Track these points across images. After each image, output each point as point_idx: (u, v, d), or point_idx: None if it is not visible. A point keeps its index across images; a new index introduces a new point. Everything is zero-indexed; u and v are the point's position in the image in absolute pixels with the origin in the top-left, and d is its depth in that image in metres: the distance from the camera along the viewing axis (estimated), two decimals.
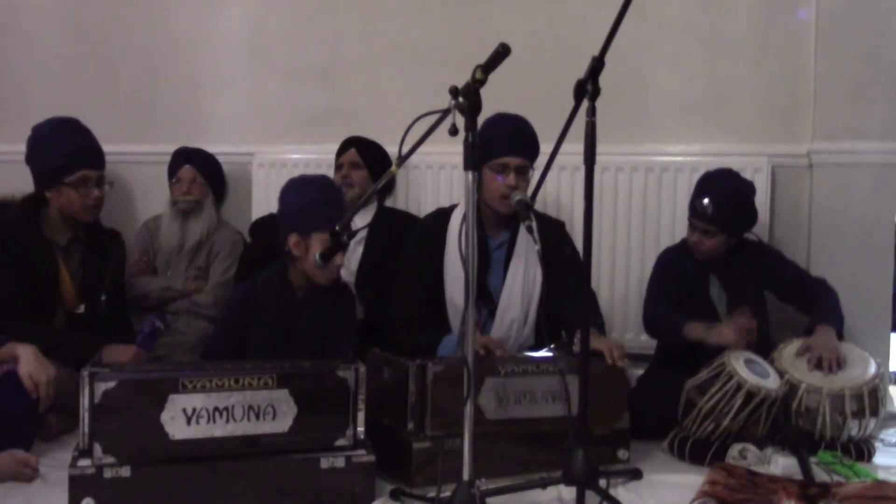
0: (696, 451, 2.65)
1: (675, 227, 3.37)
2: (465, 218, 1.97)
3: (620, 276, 3.47)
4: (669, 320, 2.95)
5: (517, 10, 3.56)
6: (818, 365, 2.75)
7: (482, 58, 1.90)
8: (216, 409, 2.16)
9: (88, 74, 4.02)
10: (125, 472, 2.10)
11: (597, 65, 2.08)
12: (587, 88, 2.09)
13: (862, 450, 2.67)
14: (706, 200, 2.95)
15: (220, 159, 3.71)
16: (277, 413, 2.20)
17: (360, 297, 3.03)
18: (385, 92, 3.72)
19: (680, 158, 3.42)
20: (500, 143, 2.80)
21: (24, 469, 2.31)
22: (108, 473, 2.09)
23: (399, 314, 2.91)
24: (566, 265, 2.81)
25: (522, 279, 2.89)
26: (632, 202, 3.44)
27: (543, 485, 2.28)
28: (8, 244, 2.82)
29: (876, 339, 3.18)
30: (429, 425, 2.36)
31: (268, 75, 3.89)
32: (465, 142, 1.91)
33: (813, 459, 2.54)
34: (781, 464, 2.50)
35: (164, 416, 2.12)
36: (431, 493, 2.21)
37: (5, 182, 3.54)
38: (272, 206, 3.25)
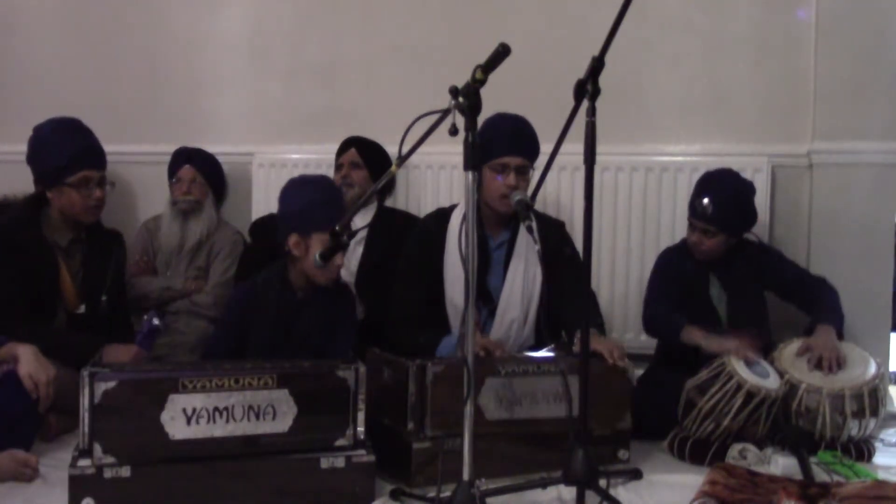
0: (696, 451, 2.65)
1: (675, 227, 3.37)
2: (465, 218, 1.97)
3: (620, 276, 3.47)
4: (669, 321, 2.95)
5: (517, 10, 3.56)
6: (818, 365, 2.75)
7: (482, 58, 1.90)
8: (216, 409, 2.16)
9: (88, 74, 4.02)
10: (125, 472, 2.10)
11: (597, 65, 2.08)
12: (587, 88, 2.09)
13: (862, 450, 2.67)
14: (706, 200, 2.94)
15: (220, 159, 3.71)
16: (277, 413, 2.20)
17: (360, 297, 3.03)
18: (385, 92, 3.72)
19: (680, 158, 3.42)
20: (500, 143, 2.80)
21: (24, 469, 2.31)
22: (108, 473, 2.09)
23: (399, 314, 2.91)
24: (566, 265, 2.81)
25: (522, 279, 2.89)
26: (632, 202, 3.44)
27: (543, 485, 2.28)
28: (9, 244, 2.82)
29: (876, 339, 3.18)
30: (429, 425, 2.36)
31: (268, 75, 3.89)
32: (465, 142, 1.91)
33: (813, 459, 2.54)
34: (781, 464, 2.50)
35: (164, 416, 2.12)
36: (431, 493, 2.21)
37: (5, 182, 3.54)
38: (272, 206, 3.25)
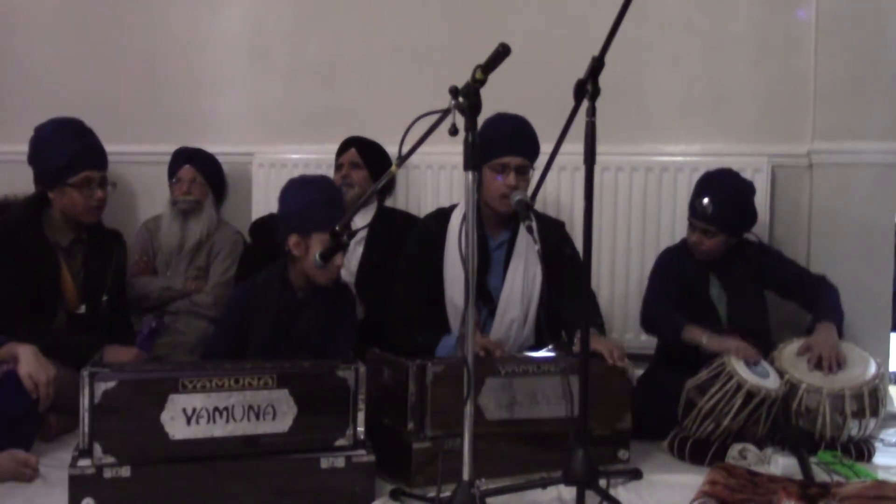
0: (696, 451, 2.65)
1: (675, 227, 3.37)
2: (465, 218, 1.97)
3: (620, 276, 3.47)
4: (670, 320, 2.95)
5: (517, 10, 3.56)
6: (818, 365, 2.75)
7: (482, 58, 1.90)
8: (216, 409, 2.16)
9: (89, 74, 4.03)
10: (125, 472, 2.10)
11: (597, 65, 2.08)
12: (587, 88, 2.09)
13: (862, 450, 2.67)
14: (706, 200, 2.94)
15: (220, 159, 3.71)
16: (277, 413, 2.20)
17: (360, 297, 3.02)
18: (385, 92, 3.72)
19: (680, 158, 3.42)
20: (500, 143, 2.80)
21: (24, 469, 2.31)
22: (108, 473, 2.09)
23: (399, 314, 2.91)
24: (566, 265, 2.81)
25: (522, 279, 2.89)
26: (632, 202, 3.44)
27: (543, 485, 2.28)
28: (10, 244, 2.82)
29: (876, 339, 3.18)
30: (429, 425, 2.36)
31: (268, 75, 3.89)
32: (465, 142, 1.91)
33: (813, 459, 2.54)
34: (781, 464, 2.50)
35: (164, 416, 2.12)
36: (431, 493, 2.21)
37: (5, 182, 3.54)
38: (272, 206, 3.25)
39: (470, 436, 1.95)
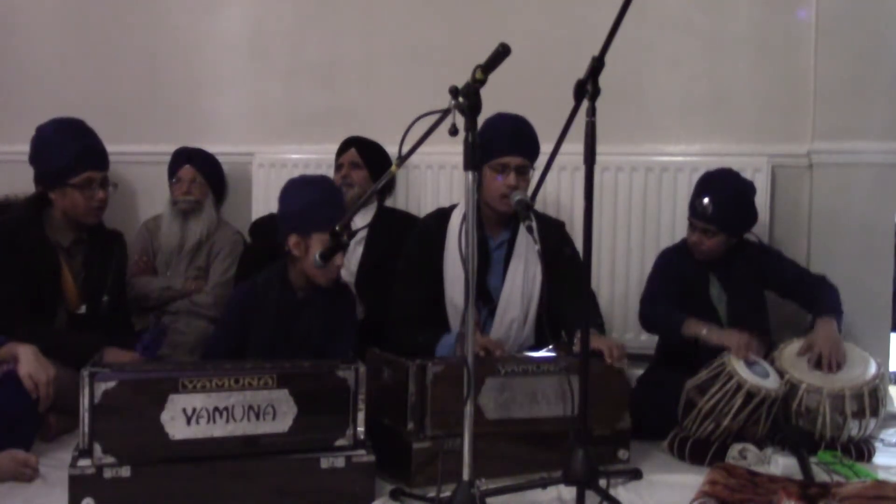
0: (696, 451, 2.65)
1: (675, 227, 3.36)
2: (465, 218, 1.97)
3: (620, 276, 3.47)
4: (670, 317, 2.95)
5: (517, 10, 3.56)
6: (818, 364, 2.75)
7: (482, 58, 1.90)
8: (216, 409, 2.16)
9: (89, 74, 4.03)
10: (125, 472, 2.10)
11: (597, 65, 2.08)
12: (587, 88, 2.09)
13: (862, 450, 2.67)
14: (706, 200, 2.94)
15: (220, 159, 3.71)
16: (277, 413, 2.20)
17: (360, 297, 3.02)
18: (385, 92, 3.72)
19: (680, 158, 3.42)
20: (501, 143, 2.80)
21: (24, 469, 2.31)
22: (108, 473, 2.09)
23: (399, 314, 2.91)
24: (566, 265, 2.81)
25: (522, 279, 2.89)
26: (632, 202, 3.44)
27: (543, 485, 2.28)
28: (11, 244, 2.82)
29: (876, 339, 3.18)
30: (429, 425, 2.36)
31: (268, 75, 3.89)
32: (465, 142, 1.91)
33: (813, 459, 2.54)
34: (781, 464, 2.50)
35: (164, 416, 2.12)
36: (431, 493, 2.21)
37: (5, 182, 3.54)
38: (272, 206, 3.25)
39: (470, 436, 1.95)
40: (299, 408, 2.21)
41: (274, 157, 3.81)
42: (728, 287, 3.04)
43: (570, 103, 2.15)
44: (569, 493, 2.20)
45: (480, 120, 1.96)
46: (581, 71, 2.10)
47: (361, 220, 3.38)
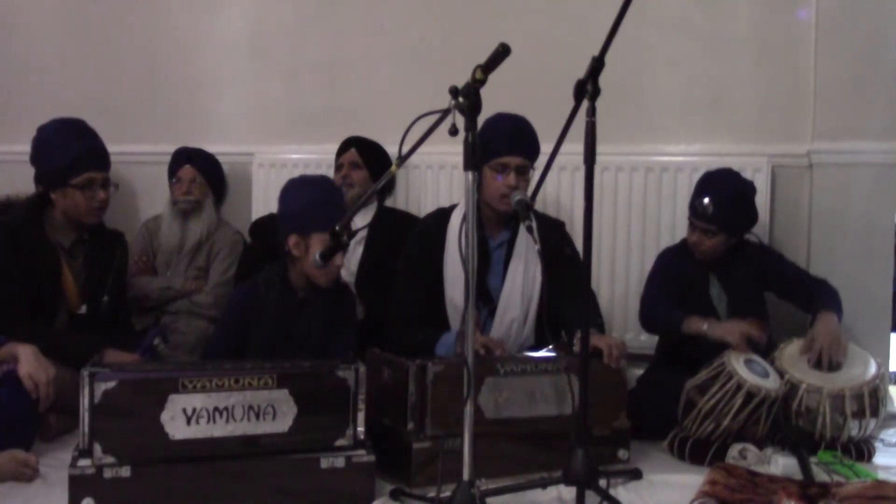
0: (696, 451, 2.65)
1: (675, 227, 3.36)
2: (465, 218, 1.97)
3: (620, 276, 3.47)
4: (670, 315, 2.95)
5: (517, 10, 3.56)
6: (819, 360, 2.75)
7: (482, 58, 1.90)
8: (216, 409, 2.16)
9: (89, 74, 4.03)
10: (125, 472, 2.09)
11: (597, 65, 2.08)
12: (587, 88, 2.09)
13: (862, 450, 2.67)
14: (707, 200, 2.94)
15: (220, 159, 3.71)
16: (277, 413, 2.20)
17: (360, 297, 3.03)
18: (385, 92, 3.72)
19: (680, 158, 3.42)
20: (501, 143, 2.80)
21: (24, 469, 2.31)
22: (108, 473, 2.09)
23: (399, 314, 2.91)
24: (566, 265, 2.81)
25: (522, 279, 2.89)
26: (632, 202, 3.44)
27: (543, 485, 2.28)
28: (12, 244, 2.82)
29: (876, 339, 3.18)
30: (429, 425, 2.36)
31: (268, 75, 3.89)
32: (465, 142, 1.91)
33: (813, 459, 2.54)
34: (781, 464, 2.50)
35: (164, 416, 2.12)
36: (431, 493, 2.21)
37: (5, 182, 3.54)
38: (272, 206, 3.25)
39: (470, 436, 1.94)
40: (299, 408, 2.21)
41: (274, 157, 3.81)
42: (728, 287, 3.04)
43: (570, 103, 2.14)
44: (569, 493, 2.20)
45: (480, 120, 1.96)
46: (581, 71, 2.10)
47: (361, 220, 3.38)
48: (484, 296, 2.88)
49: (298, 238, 2.57)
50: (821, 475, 2.45)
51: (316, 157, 3.74)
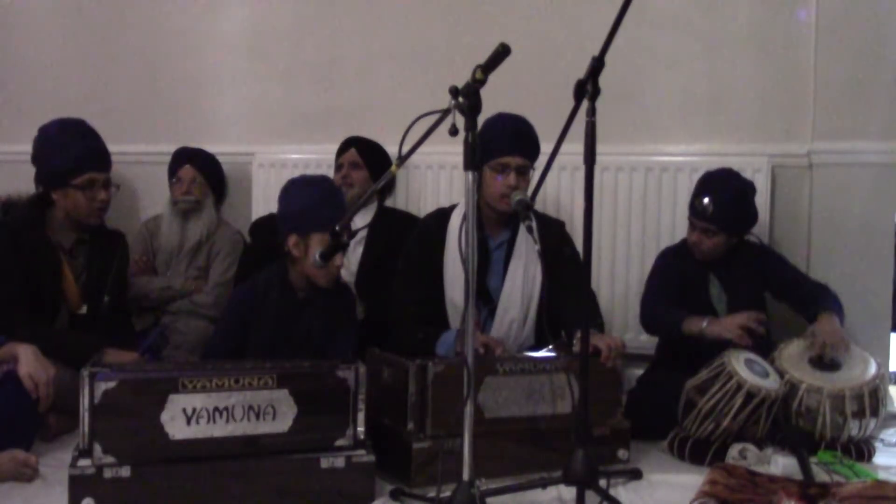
0: (696, 451, 2.65)
1: (675, 227, 3.36)
2: (465, 218, 1.97)
3: (620, 276, 3.47)
4: (669, 316, 2.95)
5: (517, 10, 3.56)
6: (820, 359, 2.75)
7: (482, 58, 1.90)
8: (216, 409, 2.16)
9: (89, 74, 4.03)
10: (125, 472, 2.09)
11: (597, 65, 2.08)
12: (587, 88, 2.09)
13: (862, 450, 2.67)
14: (706, 200, 2.94)
15: (220, 159, 3.71)
16: (277, 413, 2.20)
17: (360, 297, 3.03)
18: (385, 92, 3.72)
19: (680, 158, 3.42)
20: (501, 143, 2.80)
21: (24, 469, 2.31)
22: (108, 473, 2.08)
23: (399, 314, 2.91)
24: (566, 265, 2.81)
25: (522, 279, 2.89)
26: (632, 202, 3.44)
27: (543, 485, 2.28)
28: (13, 244, 2.82)
29: (876, 339, 3.18)
30: (429, 425, 2.36)
31: (268, 75, 3.89)
32: (465, 142, 1.91)
33: (813, 459, 2.54)
34: (781, 464, 2.50)
35: (164, 416, 2.12)
36: (431, 493, 2.21)
37: (5, 182, 3.54)
38: (272, 206, 3.25)
39: (470, 436, 1.94)
40: (299, 408, 2.21)
41: (274, 157, 3.81)
42: (728, 287, 3.04)
43: (570, 103, 2.14)
44: (569, 493, 2.20)
45: (480, 120, 1.96)
46: (581, 71, 2.10)
47: (361, 220, 3.38)
48: (484, 296, 2.88)
49: (298, 238, 2.57)
50: (821, 475, 2.45)
51: (316, 157, 3.74)
